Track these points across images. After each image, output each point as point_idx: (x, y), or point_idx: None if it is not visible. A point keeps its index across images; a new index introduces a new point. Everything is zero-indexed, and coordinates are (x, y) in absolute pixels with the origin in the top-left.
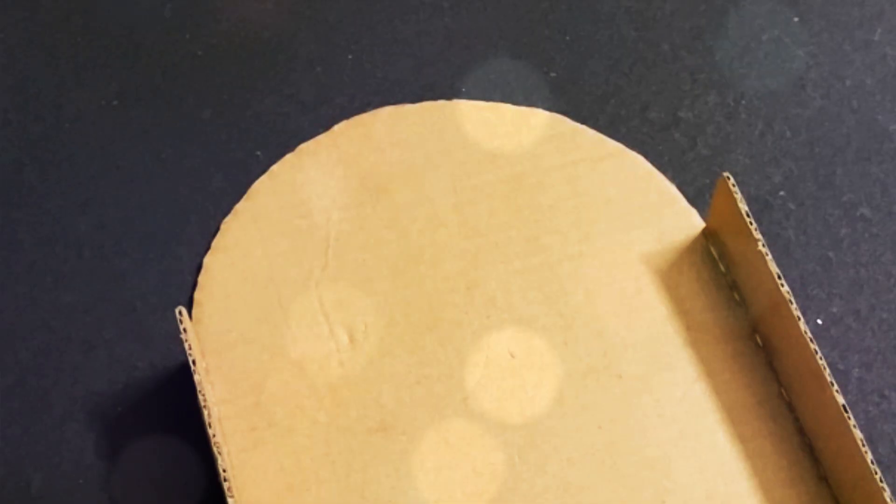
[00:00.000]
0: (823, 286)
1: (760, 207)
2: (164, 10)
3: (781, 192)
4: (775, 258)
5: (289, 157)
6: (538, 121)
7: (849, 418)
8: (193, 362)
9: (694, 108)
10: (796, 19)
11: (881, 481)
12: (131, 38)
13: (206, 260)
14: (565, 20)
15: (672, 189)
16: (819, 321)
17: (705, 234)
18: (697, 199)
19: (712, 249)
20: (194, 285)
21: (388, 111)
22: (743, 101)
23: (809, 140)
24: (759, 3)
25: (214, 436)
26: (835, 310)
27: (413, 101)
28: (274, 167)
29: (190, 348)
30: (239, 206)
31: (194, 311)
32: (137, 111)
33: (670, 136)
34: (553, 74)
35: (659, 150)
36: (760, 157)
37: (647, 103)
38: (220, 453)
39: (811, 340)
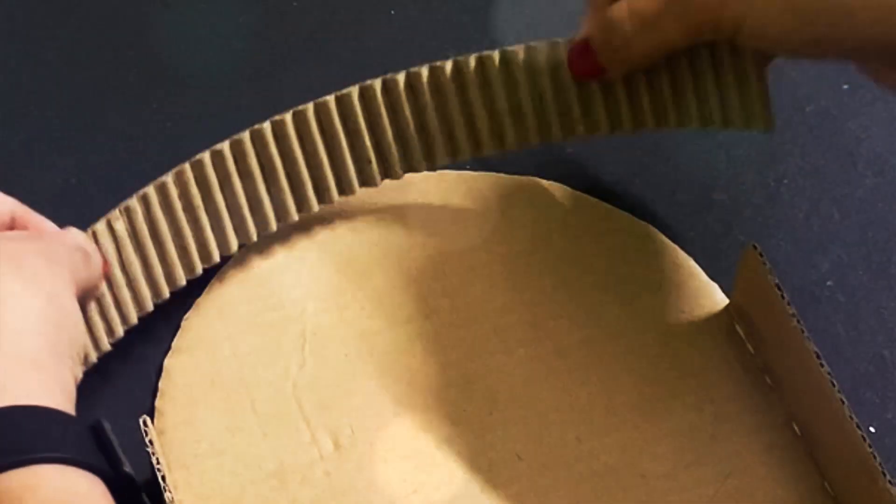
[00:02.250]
0: (877, 389)
1: (806, 300)
2: (128, 76)
3: (829, 283)
4: (823, 357)
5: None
6: (536, 190)
7: None
8: (163, 478)
9: (729, 189)
10: (846, 87)
11: None
12: (93, 103)
13: (167, 363)
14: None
15: (690, 262)
16: (872, 429)
17: (730, 311)
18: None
19: (738, 328)
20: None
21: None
22: (785, 181)
23: (861, 223)
24: (804, 70)
25: None
26: (890, 416)
27: None
28: (238, 252)
29: (158, 462)
30: (200, 300)
31: (156, 421)
32: (97, 190)
33: (703, 220)
34: (570, 150)
35: (690, 235)
36: (805, 243)
37: (677, 183)
38: None
39: (858, 427)
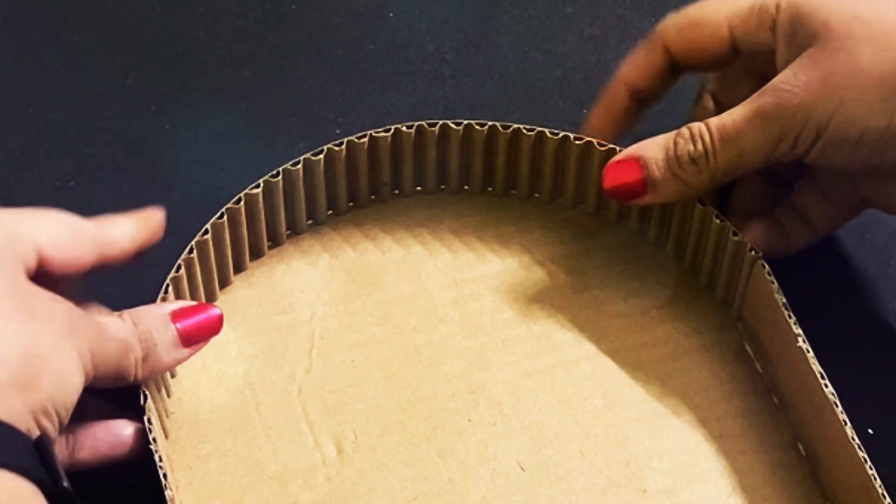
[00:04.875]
0: (875, 390)
1: (804, 301)
2: (126, 80)
3: (828, 284)
4: (822, 359)
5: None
6: (548, 206)
7: None
8: (165, 476)
9: None
10: None
11: None
12: (93, 104)
13: None
14: (581, 91)
15: (701, 278)
16: (870, 431)
17: (739, 329)
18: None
19: (747, 347)
20: None
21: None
22: None
23: (859, 225)
24: None
25: None
26: (888, 419)
27: None
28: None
29: (161, 461)
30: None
31: (162, 422)
32: (96, 192)
33: None
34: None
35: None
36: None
37: None
38: None
39: (860, 448)
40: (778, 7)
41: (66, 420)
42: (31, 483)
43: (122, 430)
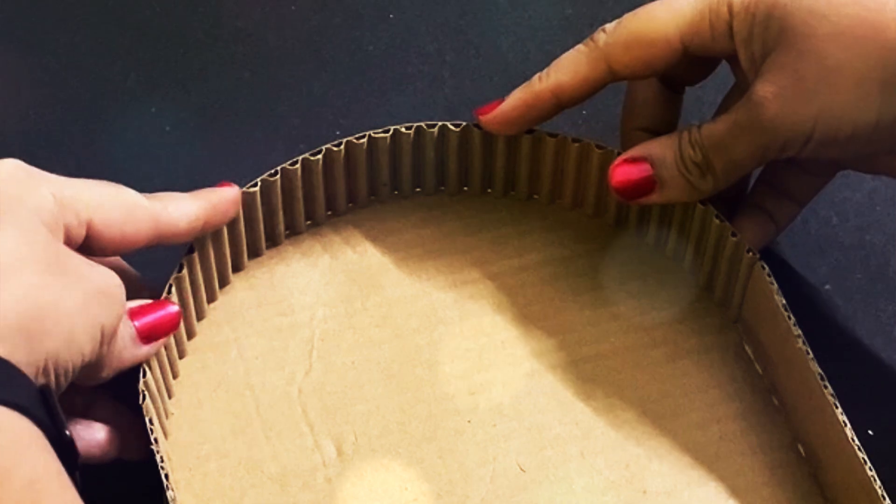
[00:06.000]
0: (875, 392)
1: (804, 303)
2: (126, 80)
3: (827, 286)
4: (821, 360)
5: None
6: (549, 207)
7: None
8: (167, 476)
9: None
10: None
11: None
12: (93, 105)
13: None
14: None
15: (701, 279)
16: (870, 432)
17: (739, 331)
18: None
19: (747, 348)
20: None
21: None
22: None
23: (859, 227)
24: None
25: None
26: (887, 419)
27: None
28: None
29: (162, 461)
30: (211, 303)
31: (162, 422)
32: None
33: None
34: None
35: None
36: (804, 246)
37: None
38: None
39: (859, 449)
40: (730, 11)
41: (63, 385)
42: (35, 426)
43: (96, 434)
